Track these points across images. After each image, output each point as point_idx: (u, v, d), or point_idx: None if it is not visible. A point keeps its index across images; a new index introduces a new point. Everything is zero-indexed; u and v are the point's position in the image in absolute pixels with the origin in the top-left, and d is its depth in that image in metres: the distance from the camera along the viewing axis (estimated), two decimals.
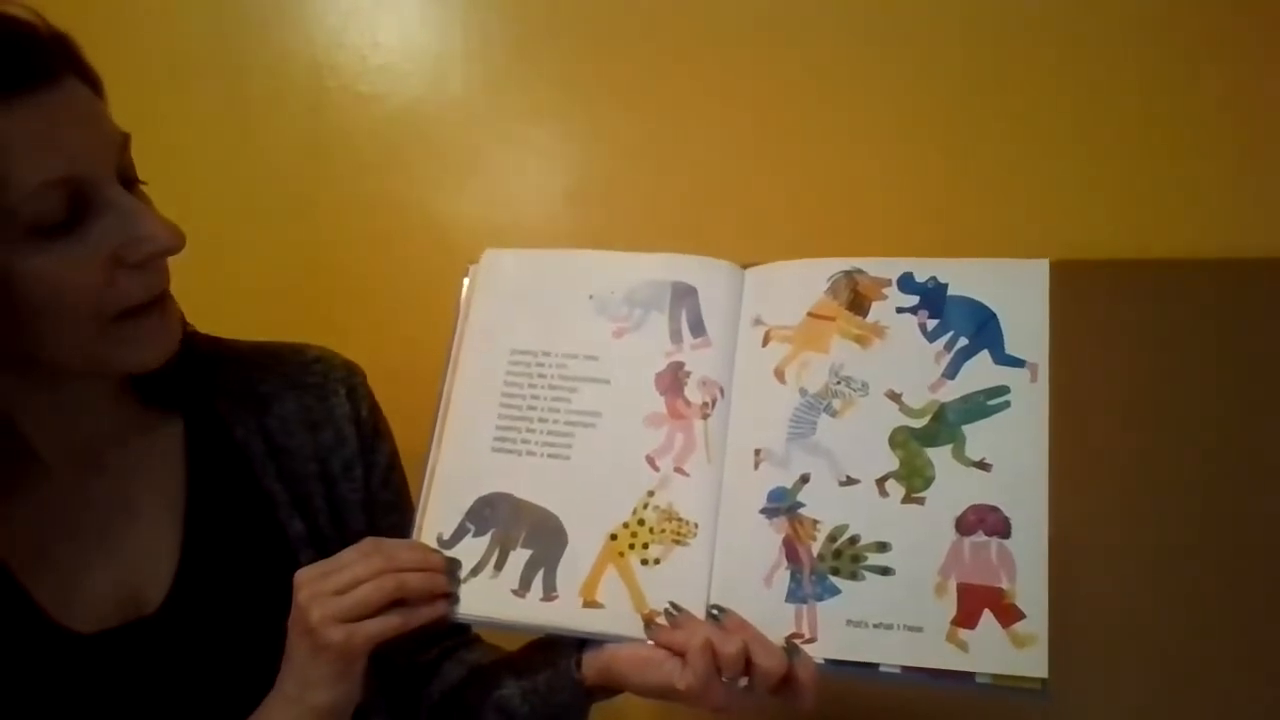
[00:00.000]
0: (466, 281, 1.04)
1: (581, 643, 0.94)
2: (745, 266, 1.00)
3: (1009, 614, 0.88)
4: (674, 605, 0.91)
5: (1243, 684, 1.38)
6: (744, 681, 0.87)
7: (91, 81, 0.88)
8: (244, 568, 0.98)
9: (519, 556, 0.94)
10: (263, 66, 1.63)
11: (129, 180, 0.88)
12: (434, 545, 0.95)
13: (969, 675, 0.87)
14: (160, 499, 0.98)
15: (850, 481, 0.92)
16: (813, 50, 1.53)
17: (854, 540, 0.91)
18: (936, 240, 1.50)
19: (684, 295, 0.98)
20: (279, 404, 1.03)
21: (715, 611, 0.90)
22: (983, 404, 0.91)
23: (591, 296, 1.00)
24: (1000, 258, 0.94)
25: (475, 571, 0.94)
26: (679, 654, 0.88)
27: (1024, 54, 1.50)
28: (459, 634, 1.08)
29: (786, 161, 1.55)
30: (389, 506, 1.05)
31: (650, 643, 0.91)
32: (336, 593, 0.86)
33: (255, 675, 0.90)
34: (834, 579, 0.90)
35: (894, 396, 0.93)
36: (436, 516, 0.97)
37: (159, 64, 1.61)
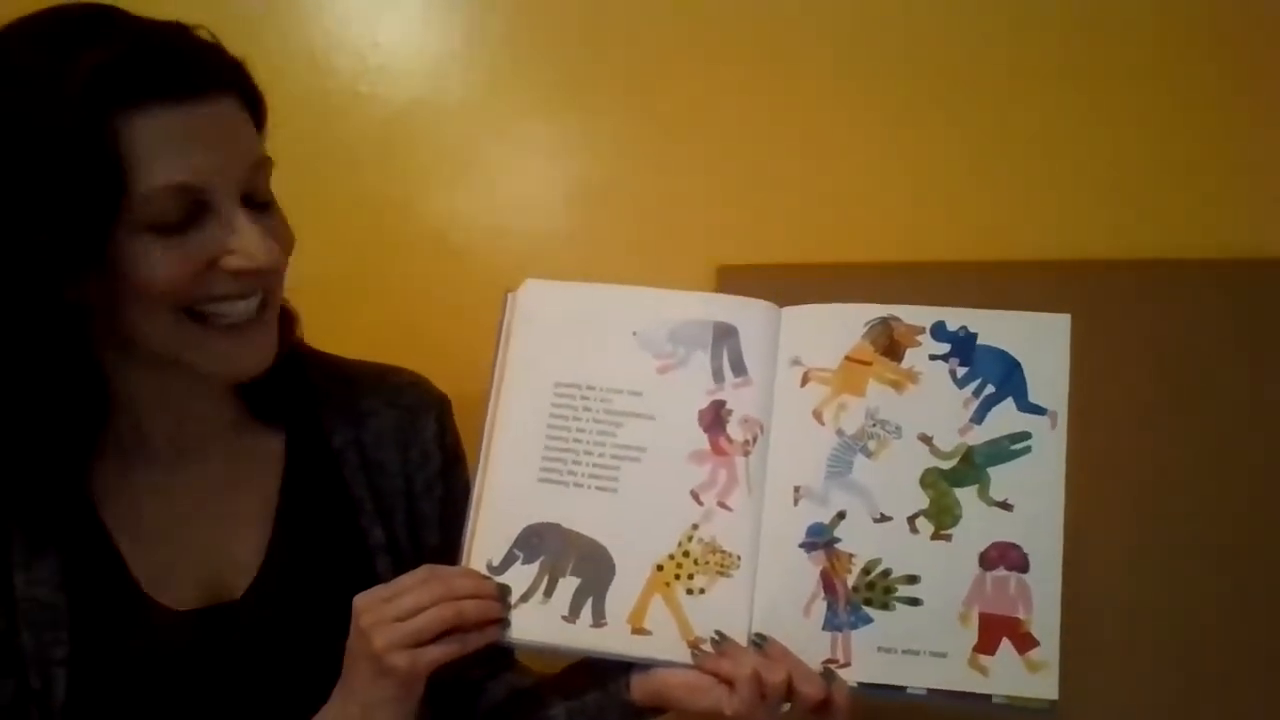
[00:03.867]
0: (505, 309, 1.07)
1: (628, 666, 1.00)
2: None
3: (1025, 642, 0.96)
4: (719, 634, 0.97)
5: (1258, 698, 1.42)
6: (786, 706, 0.94)
7: (254, 107, 0.95)
8: (324, 566, 1.04)
9: (568, 584, 0.99)
10: (262, 66, 1.61)
11: (259, 202, 0.94)
12: (483, 571, 1.00)
13: (987, 697, 0.96)
14: (256, 493, 1.05)
15: (884, 518, 0.98)
16: (815, 51, 1.56)
17: (886, 573, 0.97)
18: (938, 241, 1.55)
19: (725, 335, 1.03)
20: (375, 419, 1.10)
21: (758, 640, 0.97)
22: (1007, 448, 0.98)
23: (635, 333, 1.04)
24: (1026, 311, 1.01)
25: (525, 598, 0.99)
26: (726, 681, 0.94)
27: (1024, 55, 1.54)
28: (502, 655, 1.12)
29: (788, 162, 1.58)
30: (460, 527, 1.08)
31: (697, 669, 0.96)
32: (398, 619, 0.90)
33: (325, 669, 0.95)
34: (867, 609, 0.97)
35: (925, 439, 0.99)
36: (485, 544, 1.01)
37: None
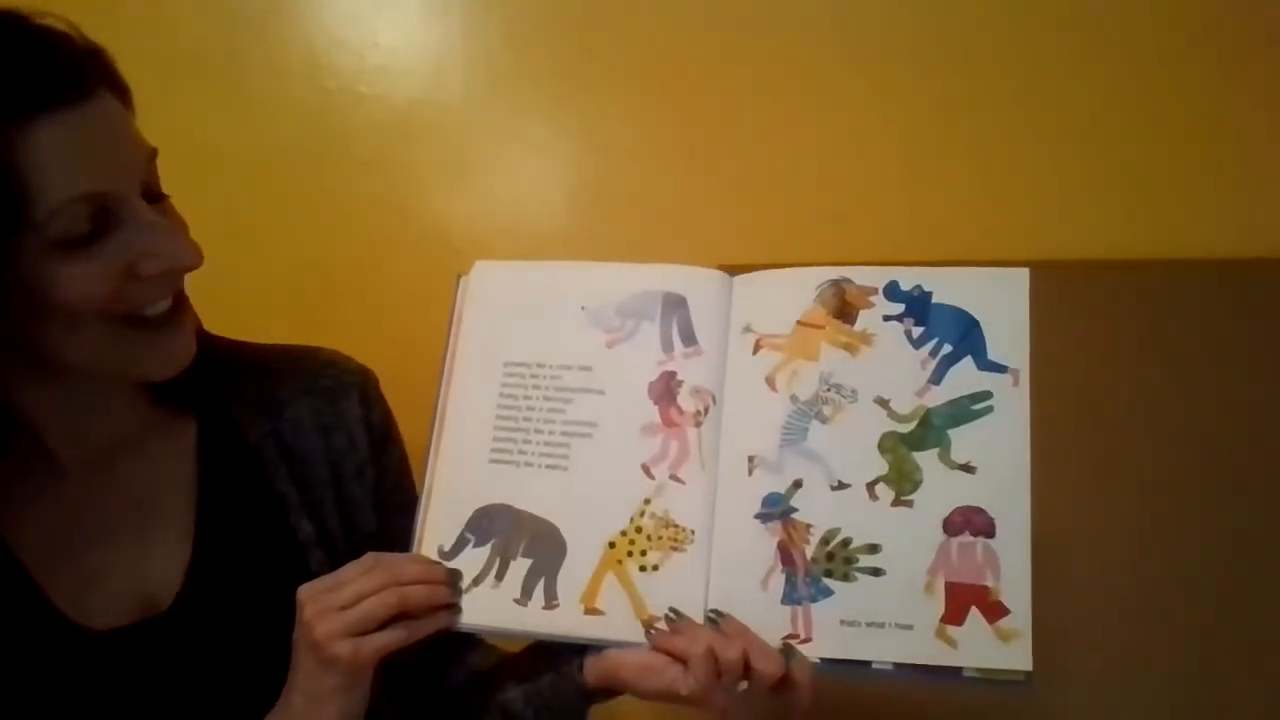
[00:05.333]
0: (458, 293, 1.06)
1: (583, 647, 0.97)
2: (734, 273, 1.02)
3: (995, 610, 0.91)
4: (674, 610, 0.94)
5: (1227, 675, 1.40)
6: (743, 684, 0.90)
7: (123, 94, 0.90)
8: (254, 568, 1.01)
9: (520, 566, 0.97)
10: (262, 66, 1.64)
11: (153, 194, 0.90)
12: (435, 557, 0.98)
13: (957, 670, 0.91)
14: (173, 499, 1.01)
15: (841, 486, 0.95)
16: (819, 50, 1.54)
17: (846, 543, 0.94)
18: (941, 240, 1.52)
19: (674, 305, 1.00)
20: (292, 407, 1.05)
21: (714, 616, 0.93)
22: (967, 408, 0.94)
23: (583, 308, 1.02)
24: (982, 266, 0.97)
25: (477, 581, 0.97)
26: (680, 659, 0.91)
27: (1020, 54, 1.51)
28: (462, 637, 1.08)
29: (790, 161, 1.56)
30: (399, 510, 1.06)
31: (651, 648, 0.94)
32: (341, 608, 0.88)
33: (265, 674, 0.93)
34: (827, 580, 0.93)
35: (882, 402, 0.95)
36: (436, 528, 0.99)
37: (157, 64, 1.61)
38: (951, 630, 0.91)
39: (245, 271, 1.56)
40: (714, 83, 1.56)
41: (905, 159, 1.54)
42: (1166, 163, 1.49)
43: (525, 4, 1.61)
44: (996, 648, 0.91)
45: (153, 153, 0.90)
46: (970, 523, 0.93)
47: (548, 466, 0.99)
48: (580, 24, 1.60)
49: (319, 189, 1.64)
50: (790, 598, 0.94)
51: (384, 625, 0.89)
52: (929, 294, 0.96)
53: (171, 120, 1.55)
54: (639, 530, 0.96)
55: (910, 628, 0.92)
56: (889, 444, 0.95)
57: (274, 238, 1.63)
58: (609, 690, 0.97)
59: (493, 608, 0.96)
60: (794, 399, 0.97)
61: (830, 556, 0.94)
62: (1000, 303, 0.96)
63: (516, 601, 0.96)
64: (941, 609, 0.92)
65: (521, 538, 0.98)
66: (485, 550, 0.98)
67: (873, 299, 0.97)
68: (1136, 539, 1.41)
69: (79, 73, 0.84)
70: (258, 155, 1.65)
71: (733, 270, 1.03)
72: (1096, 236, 1.49)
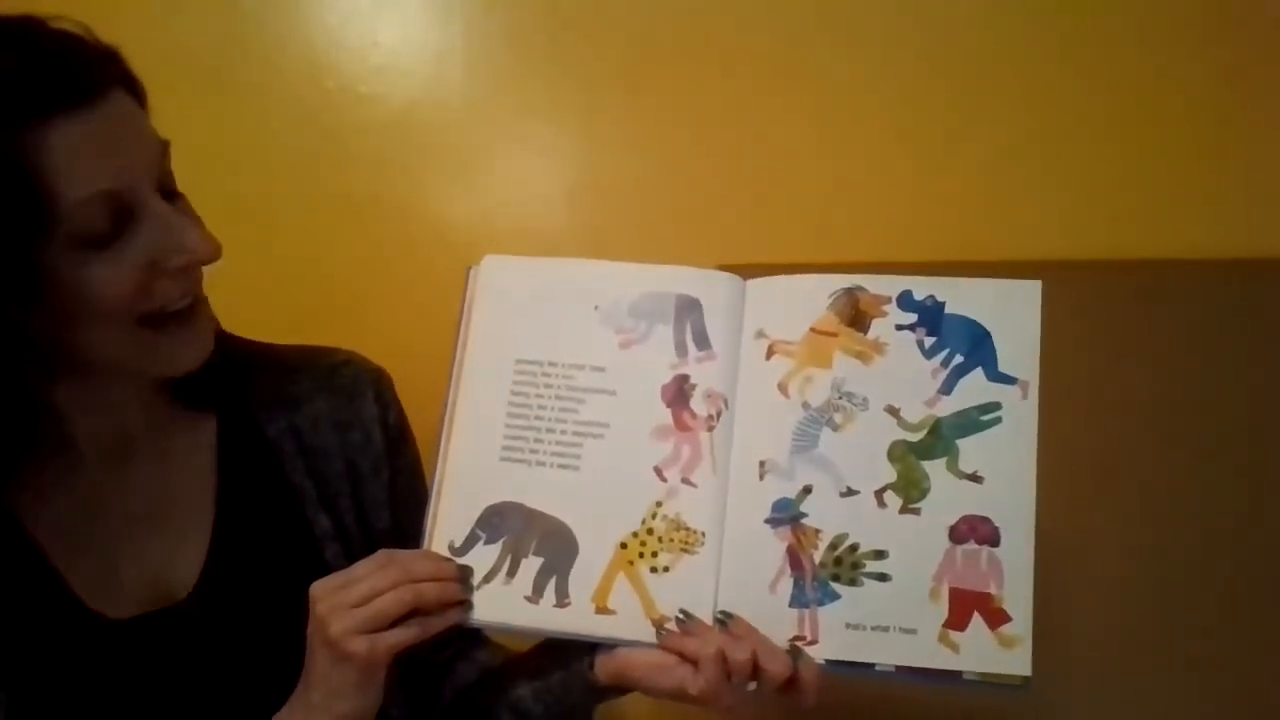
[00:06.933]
0: (467, 285, 1.06)
1: (592, 646, 0.98)
2: (737, 272, 1.03)
3: (997, 617, 0.93)
4: (684, 612, 0.95)
5: (1226, 688, 1.41)
6: (752, 685, 0.92)
7: (137, 93, 0.91)
8: (271, 560, 1.02)
9: (531, 564, 0.98)
10: (262, 66, 1.64)
11: (169, 191, 0.92)
12: (446, 553, 0.99)
13: (958, 673, 0.93)
14: (192, 491, 1.03)
15: (851, 493, 0.96)
16: (820, 50, 1.55)
17: (854, 548, 0.95)
18: (942, 240, 1.53)
19: (688, 308, 1.01)
20: (310, 404, 1.07)
21: (723, 617, 0.95)
22: (976, 419, 0.96)
23: (597, 307, 1.03)
24: (995, 277, 0.99)
25: (488, 578, 0.98)
26: (690, 660, 0.93)
27: (1020, 55, 1.52)
28: (471, 635, 1.11)
29: (791, 161, 1.57)
30: (414, 507, 1.06)
31: (661, 648, 0.95)
32: (354, 605, 0.89)
33: (280, 666, 0.94)
34: (835, 585, 0.95)
35: (893, 411, 0.97)
36: (447, 525, 1.00)
37: (156, 63, 1.59)
38: (954, 635, 0.93)
39: (244, 271, 1.55)
40: (714, 82, 1.57)
41: (909, 158, 1.54)
42: (1169, 163, 1.50)
43: (525, 4, 1.61)
44: (997, 653, 0.93)
45: (165, 148, 0.92)
46: (975, 531, 0.94)
47: (559, 466, 1.00)
48: (580, 24, 1.60)
49: (319, 189, 1.63)
50: (798, 601, 0.95)
51: (396, 622, 0.90)
52: (942, 304, 0.98)
53: (171, 120, 1.55)
54: (650, 532, 0.98)
55: (914, 632, 0.94)
56: (898, 452, 0.96)
57: (273, 238, 1.62)
58: (619, 688, 0.99)
59: (504, 605, 0.97)
60: (806, 405, 0.98)
61: (838, 561, 0.95)
62: (1012, 315, 0.97)
63: (528, 599, 0.97)
64: (945, 614, 0.94)
65: (533, 536, 0.99)
66: (496, 547, 0.99)
67: (886, 308, 0.99)
68: (1138, 546, 1.42)
69: (93, 73, 0.86)
70: (258, 155, 1.64)
71: (735, 269, 1.04)
72: (1099, 236, 1.50)
